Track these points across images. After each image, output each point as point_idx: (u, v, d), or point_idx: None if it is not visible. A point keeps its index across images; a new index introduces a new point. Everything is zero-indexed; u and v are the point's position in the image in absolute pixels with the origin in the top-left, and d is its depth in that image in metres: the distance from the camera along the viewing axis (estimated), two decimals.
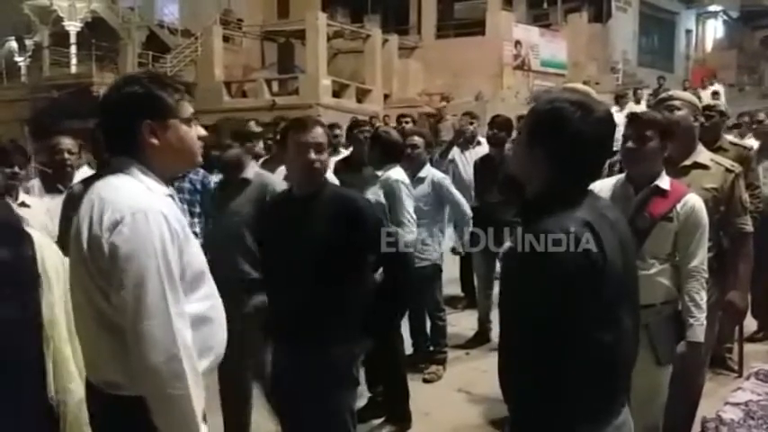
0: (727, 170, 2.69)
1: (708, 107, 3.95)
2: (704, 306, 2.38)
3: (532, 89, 19.01)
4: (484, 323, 4.76)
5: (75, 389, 1.84)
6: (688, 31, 26.01)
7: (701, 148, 2.78)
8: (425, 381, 4.11)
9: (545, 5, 21.39)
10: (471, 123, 5.63)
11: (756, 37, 26.69)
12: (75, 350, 1.83)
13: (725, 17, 26.56)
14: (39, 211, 3.12)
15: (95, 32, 19.44)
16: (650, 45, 23.94)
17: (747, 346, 4.23)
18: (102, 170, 1.64)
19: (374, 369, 3.59)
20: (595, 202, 1.55)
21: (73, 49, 19.04)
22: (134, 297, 1.42)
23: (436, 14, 20.28)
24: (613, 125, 1.54)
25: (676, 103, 2.75)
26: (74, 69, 18.90)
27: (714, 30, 27.12)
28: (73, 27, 19.94)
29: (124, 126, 1.55)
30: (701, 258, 2.38)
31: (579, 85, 3.94)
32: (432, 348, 4.28)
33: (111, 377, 1.51)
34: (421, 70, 19.11)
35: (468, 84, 17.51)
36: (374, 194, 3.44)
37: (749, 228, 2.71)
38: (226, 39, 18.88)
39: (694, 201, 2.40)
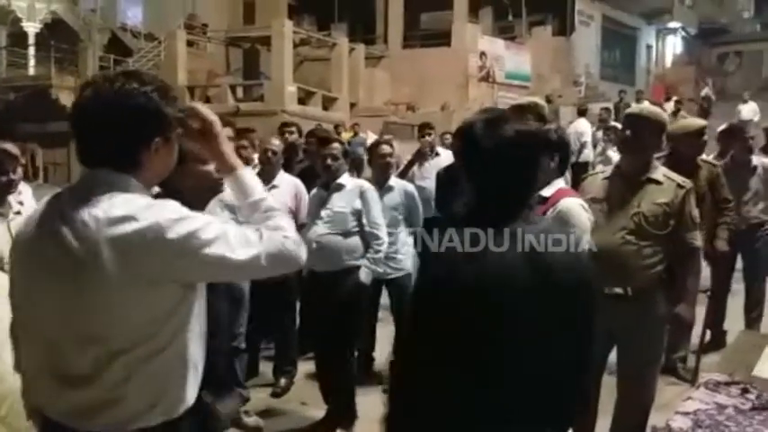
0: (679, 186, 2.73)
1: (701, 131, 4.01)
2: None
3: (497, 101, 19.29)
4: None
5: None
6: (648, 47, 26.71)
7: (656, 164, 2.83)
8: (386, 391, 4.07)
9: (510, 18, 21.74)
10: (429, 135, 5.64)
11: (714, 53, 27.56)
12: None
13: (683, 34, 27.34)
14: None
15: (55, 34, 19.02)
16: (612, 59, 24.50)
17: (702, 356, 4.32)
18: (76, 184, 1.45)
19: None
20: (513, 227, 1.46)
21: (31, 51, 18.58)
22: (225, 246, 1.35)
23: (403, 24, 20.42)
24: (531, 144, 1.50)
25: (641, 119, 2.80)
26: (32, 71, 18.45)
27: (673, 46, 27.90)
28: (32, 28, 19.44)
29: (128, 142, 1.40)
30: None
31: (534, 99, 3.98)
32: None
33: (133, 408, 1.38)
34: (387, 79, 19.20)
35: (433, 94, 17.65)
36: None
37: (698, 243, 2.76)
38: (190, 43, 18.67)
39: (564, 205, 2.44)
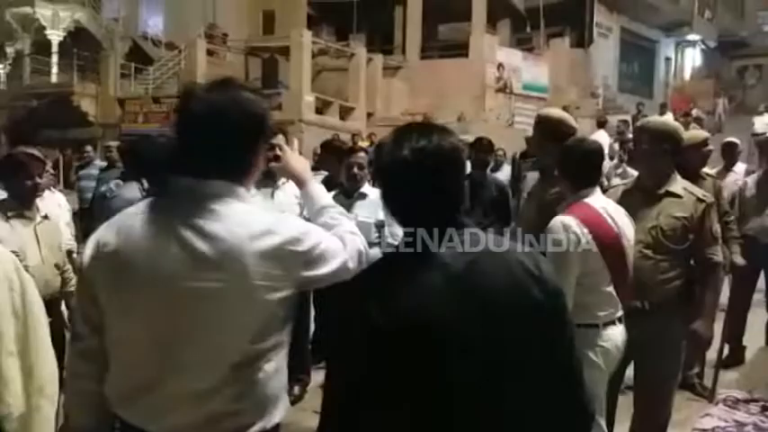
0: (699, 200, 2.71)
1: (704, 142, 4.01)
2: None
3: (514, 111, 19.25)
4: None
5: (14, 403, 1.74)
6: (667, 59, 26.54)
7: (675, 176, 2.80)
8: None
9: (528, 30, 21.72)
10: None
11: (733, 66, 27.31)
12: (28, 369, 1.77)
13: (703, 46, 27.15)
14: None
15: (78, 42, 19.32)
16: (631, 71, 24.39)
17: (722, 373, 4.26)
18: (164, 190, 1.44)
19: None
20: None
21: (54, 58, 18.87)
22: (334, 255, 1.44)
23: (421, 35, 20.47)
24: (437, 162, 1.32)
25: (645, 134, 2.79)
26: (54, 78, 18.74)
27: (692, 58, 27.70)
28: (55, 36, 19.77)
29: (244, 150, 1.39)
30: None
31: (555, 110, 3.98)
32: None
33: (248, 419, 1.40)
34: (405, 90, 19.24)
35: (451, 104, 17.64)
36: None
37: (719, 258, 2.74)
38: (210, 53, 18.85)
39: (552, 222, 2.47)
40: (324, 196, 1.67)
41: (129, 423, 1.39)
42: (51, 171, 4.30)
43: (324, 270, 1.43)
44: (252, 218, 1.36)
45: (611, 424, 2.76)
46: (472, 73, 18.62)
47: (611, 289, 2.53)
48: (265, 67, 19.95)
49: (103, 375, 1.42)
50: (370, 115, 18.08)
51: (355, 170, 3.45)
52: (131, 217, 1.41)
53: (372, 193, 3.50)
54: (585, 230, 2.49)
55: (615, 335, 2.53)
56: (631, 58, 24.20)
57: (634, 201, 2.76)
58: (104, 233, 1.41)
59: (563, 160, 2.63)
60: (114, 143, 7.62)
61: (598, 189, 2.61)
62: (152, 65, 18.85)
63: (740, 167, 5.88)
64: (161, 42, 20.08)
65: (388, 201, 1.37)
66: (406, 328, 1.24)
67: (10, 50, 21.00)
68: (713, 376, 4.12)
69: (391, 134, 1.36)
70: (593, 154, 2.63)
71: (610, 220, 2.56)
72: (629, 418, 2.87)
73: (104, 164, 7.53)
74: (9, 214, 2.86)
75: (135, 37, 20.06)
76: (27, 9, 19.64)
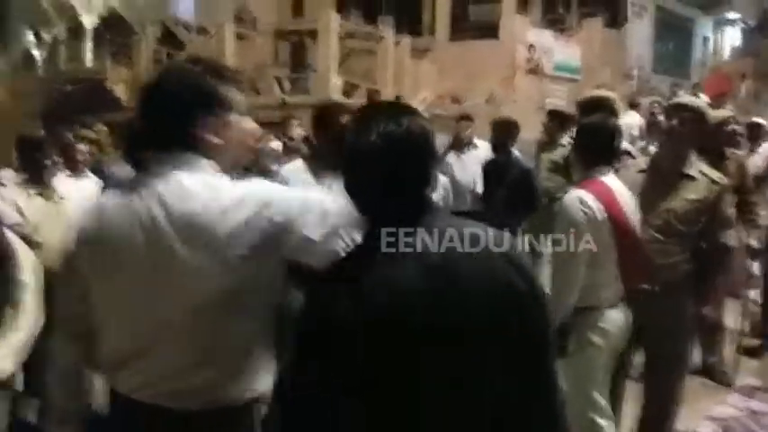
0: (714, 182, 2.67)
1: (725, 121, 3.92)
2: None
3: (545, 93, 18.93)
4: None
5: None
6: (705, 39, 25.76)
7: (693, 158, 2.76)
8: None
9: (561, 10, 21.27)
10: (468, 127, 5.60)
11: None
12: None
13: (742, 25, 26.27)
14: None
15: (111, 27, 19.59)
16: (666, 52, 23.73)
17: (744, 360, 4.17)
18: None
19: None
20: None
21: (88, 44, 19.18)
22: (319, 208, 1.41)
23: (450, 16, 20.22)
24: (407, 147, 1.27)
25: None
26: (89, 64, 19.04)
27: (732, 38, 26.84)
28: (89, 22, 20.08)
29: (182, 122, 1.44)
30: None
31: (605, 93, 3.94)
32: None
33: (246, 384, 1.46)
34: (433, 72, 19.03)
35: (480, 86, 17.41)
36: None
37: (731, 242, 2.69)
38: (240, 36, 18.91)
39: (565, 199, 2.52)
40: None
41: (121, 393, 1.46)
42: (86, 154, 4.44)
43: (307, 233, 1.39)
44: (222, 190, 1.40)
45: (616, 410, 2.75)
46: (502, 54, 18.33)
47: (615, 270, 2.53)
48: (294, 51, 19.96)
49: (90, 356, 1.47)
50: (398, 98, 17.96)
51: None
52: (111, 197, 1.47)
53: None
54: (600, 206, 2.49)
55: (617, 317, 2.54)
56: (667, 38, 23.54)
57: (648, 182, 2.71)
58: (86, 216, 1.47)
59: (579, 137, 2.60)
60: None
61: (611, 170, 2.58)
62: (183, 50, 18.99)
63: (766, 148, 5.73)
64: (192, 27, 20.21)
65: (354, 191, 1.31)
66: (380, 323, 1.21)
67: (47, 36, 21.40)
68: (733, 363, 4.06)
69: (356, 117, 1.33)
70: (610, 133, 2.59)
71: (621, 199, 2.55)
72: (640, 406, 2.86)
73: None
74: (31, 192, 3.00)
75: (167, 21, 20.23)
76: None
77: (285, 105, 14.30)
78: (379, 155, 1.24)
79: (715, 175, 2.69)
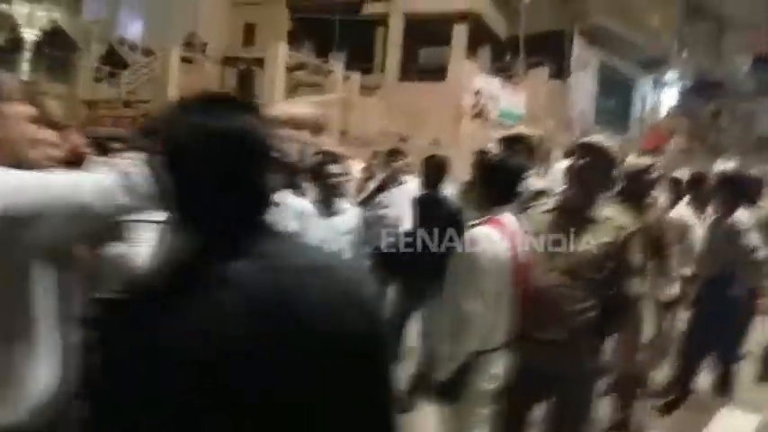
0: (621, 227, 2.54)
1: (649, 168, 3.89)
2: None
3: (490, 139, 19.18)
4: None
5: None
6: (644, 96, 26.85)
7: (601, 202, 2.62)
8: None
9: (508, 58, 21.82)
10: (396, 161, 5.46)
11: (709, 107, 27.72)
12: None
13: (680, 86, 27.56)
14: None
15: (54, 42, 19.05)
16: (608, 105, 24.58)
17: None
18: None
19: None
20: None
21: (26, 57, 18.54)
22: None
23: (401, 57, 20.48)
24: (229, 146, 1.04)
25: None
26: (25, 77, 18.37)
27: (669, 97, 28.09)
28: (30, 34, 19.46)
29: None
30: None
31: (522, 130, 3.86)
32: None
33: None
34: (381, 110, 19.15)
35: (427, 127, 17.56)
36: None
37: (636, 290, 2.56)
38: (187, 60, 18.64)
39: (469, 234, 2.36)
40: None
41: None
42: None
43: (54, 221, 1.20)
44: None
45: None
46: (449, 97, 18.61)
47: (510, 313, 2.40)
48: (241, 79, 19.77)
49: None
50: (343, 133, 17.93)
51: None
52: None
53: (287, 200, 3.30)
54: (507, 244, 2.35)
55: (502, 361, 2.42)
56: (609, 93, 24.42)
57: (554, 223, 2.58)
58: None
59: (487, 173, 2.46)
60: None
61: (513, 208, 2.46)
62: (126, 69, 18.59)
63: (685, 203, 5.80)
64: (138, 48, 19.84)
65: (167, 197, 1.06)
66: (194, 351, 0.99)
67: None
68: (646, 418, 3.95)
69: (170, 108, 1.11)
70: (514, 170, 2.47)
71: (521, 240, 2.42)
72: None
73: None
74: None
75: (111, 40, 19.81)
76: (3, 6, 19.43)
77: None
78: (200, 153, 1.04)
79: (623, 219, 2.57)
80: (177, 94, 16.86)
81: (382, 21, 20.59)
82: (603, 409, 3.76)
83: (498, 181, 2.41)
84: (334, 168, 3.85)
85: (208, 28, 20.90)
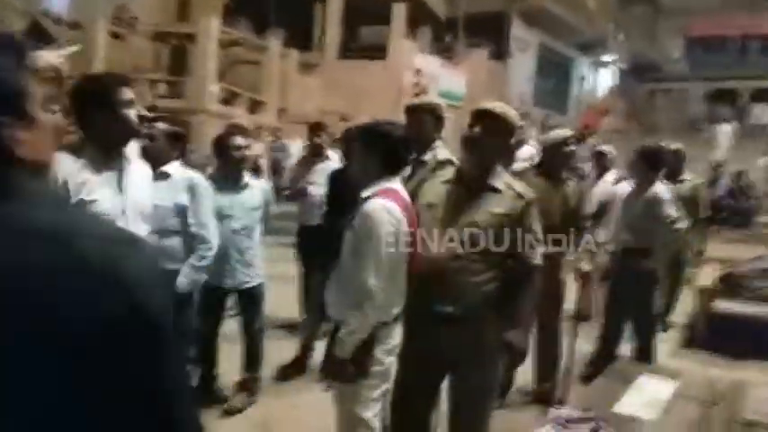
0: (519, 195, 2.43)
1: (566, 141, 3.83)
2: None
3: None
4: (306, 349, 4.38)
5: None
6: (582, 77, 27.31)
7: (500, 170, 2.50)
8: (226, 412, 3.64)
9: (448, 39, 21.77)
10: (319, 136, 5.26)
11: (644, 88, 28.44)
12: None
13: (616, 67, 28.13)
14: None
15: None
16: (547, 86, 24.88)
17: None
18: None
19: None
20: None
21: None
22: None
23: (340, 35, 20.15)
24: None
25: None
26: None
27: (606, 78, 28.66)
28: None
29: None
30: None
31: (430, 99, 3.74)
32: (246, 375, 3.81)
33: None
34: (320, 88, 18.84)
35: (367, 106, 17.34)
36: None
37: (537, 261, 2.46)
38: (116, 36, 17.86)
39: (366, 207, 2.24)
40: None
41: None
42: None
43: None
44: None
45: None
46: (390, 76, 18.44)
47: (404, 281, 2.29)
48: (174, 55, 19.07)
49: None
50: (282, 111, 17.56)
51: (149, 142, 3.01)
52: None
53: (177, 172, 3.07)
54: (402, 216, 2.22)
55: (398, 333, 2.31)
56: (548, 74, 24.72)
57: (451, 193, 2.46)
58: None
59: (376, 142, 2.32)
60: None
61: (399, 179, 2.34)
62: (52, 44, 17.67)
63: (610, 176, 5.83)
64: (63, 21, 18.87)
65: None
66: None
67: None
68: (562, 389, 3.92)
69: None
70: (397, 139, 2.34)
71: (412, 211, 2.31)
72: None
73: None
74: None
75: (34, 13, 18.79)
76: None
77: (155, 110, 13.46)
78: None
79: (521, 188, 2.46)
80: (103, 69, 16.15)
81: None
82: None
83: (382, 151, 2.27)
84: (238, 141, 3.64)
85: (140, 3, 20.04)
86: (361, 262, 2.18)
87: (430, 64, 19.81)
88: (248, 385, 3.78)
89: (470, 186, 2.43)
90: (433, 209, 2.44)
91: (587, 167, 7.16)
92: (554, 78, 25.31)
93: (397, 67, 18.66)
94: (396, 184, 2.30)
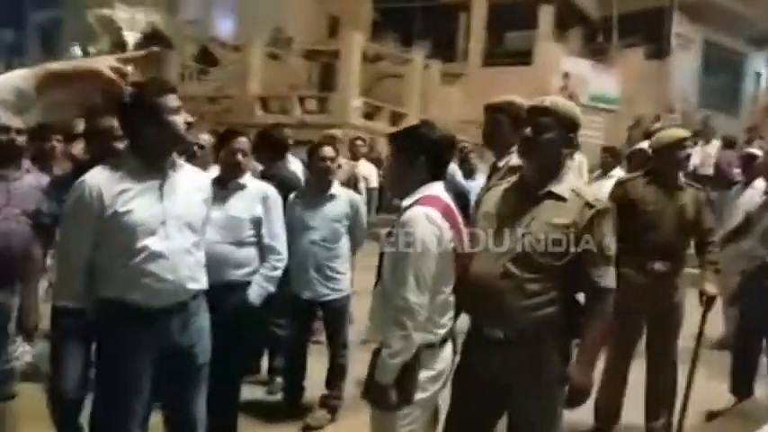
0: (588, 204, 2.15)
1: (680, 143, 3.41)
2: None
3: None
4: None
5: None
6: (757, 74, 24.56)
7: (567, 176, 2.23)
8: (307, 428, 3.64)
9: (601, 39, 20.63)
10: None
11: None
12: None
13: None
14: None
15: (152, 44, 20.07)
16: (714, 86, 22.66)
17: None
18: None
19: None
20: None
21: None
22: None
23: (485, 43, 19.91)
24: None
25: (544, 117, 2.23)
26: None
27: None
28: (131, 37, 20.75)
29: None
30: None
31: (511, 98, 3.47)
32: (326, 392, 3.79)
33: None
34: (463, 97, 18.70)
35: None
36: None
37: (607, 282, 2.14)
38: (274, 56, 19.05)
39: (408, 215, 2.10)
40: None
41: None
42: None
43: None
44: None
45: None
46: (535, 81, 17.82)
47: (452, 298, 2.13)
48: (323, 71, 19.95)
49: None
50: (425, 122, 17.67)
51: (238, 157, 3.07)
52: None
53: (252, 184, 3.13)
54: (447, 225, 2.09)
55: (449, 353, 2.15)
56: (715, 73, 22.51)
57: (508, 202, 2.24)
58: None
59: (414, 146, 2.20)
60: None
61: (441, 185, 2.20)
62: (216, 66, 19.28)
63: (760, 184, 5.09)
64: (227, 45, 20.55)
65: None
66: None
67: (93, 51, 22.14)
68: (676, 429, 3.46)
69: None
70: (446, 143, 2.20)
71: (460, 221, 2.15)
72: None
73: None
74: None
75: (203, 39, 20.64)
76: (107, 11, 20.85)
77: (304, 125, 14.13)
78: None
79: (590, 196, 2.17)
80: (258, 87, 17.27)
81: (464, 6, 20.10)
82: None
83: (421, 155, 2.14)
84: (325, 152, 3.67)
85: (294, 23, 21.23)
86: (402, 276, 2.05)
87: (579, 67, 18.91)
88: (328, 402, 3.74)
89: (529, 194, 2.20)
90: (489, 219, 2.24)
91: (736, 173, 6.36)
92: (722, 77, 23.00)
93: (543, 72, 18.01)
94: (438, 190, 2.16)
